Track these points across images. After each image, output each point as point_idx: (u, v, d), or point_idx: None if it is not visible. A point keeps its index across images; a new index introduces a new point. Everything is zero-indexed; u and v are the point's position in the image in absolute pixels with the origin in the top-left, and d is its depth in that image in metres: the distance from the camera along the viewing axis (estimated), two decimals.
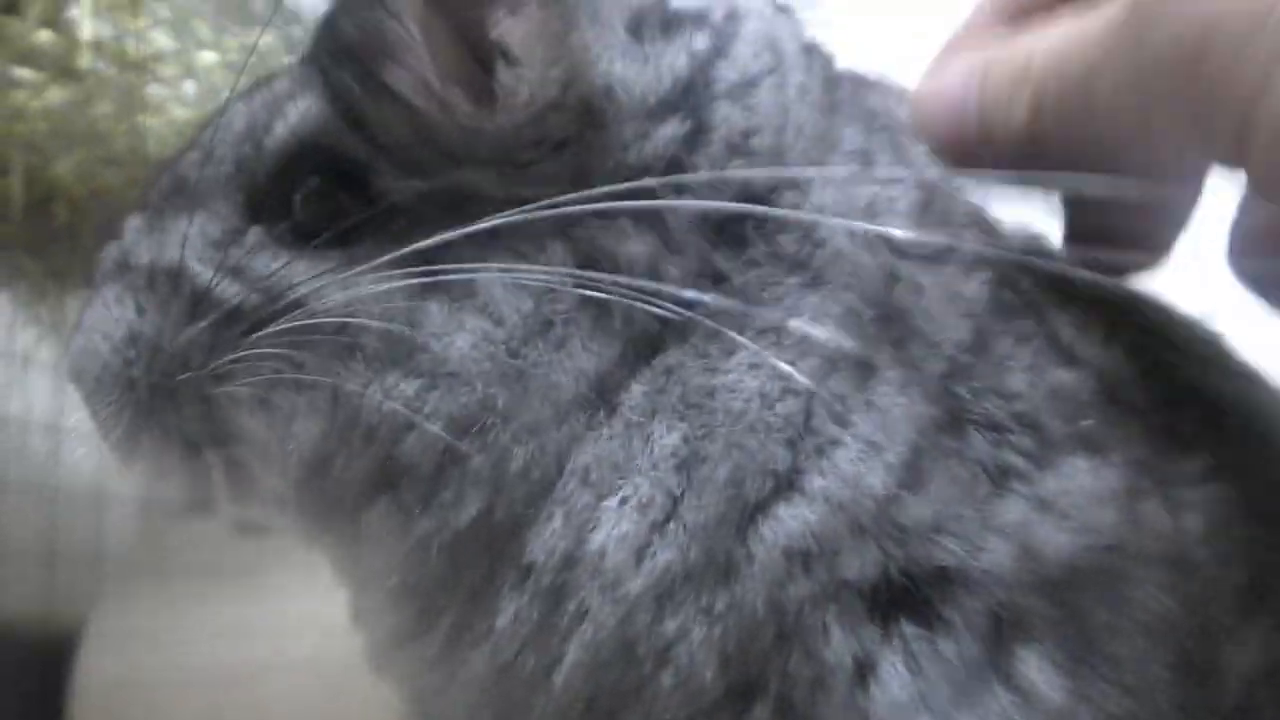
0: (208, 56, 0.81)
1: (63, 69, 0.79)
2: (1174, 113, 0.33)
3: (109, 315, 0.40)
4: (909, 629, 0.31)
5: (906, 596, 0.31)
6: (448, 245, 0.36)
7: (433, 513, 0.37)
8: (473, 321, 0.36)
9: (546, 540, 0.35)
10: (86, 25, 0.75)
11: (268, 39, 0.81)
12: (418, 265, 0.36)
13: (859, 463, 0.32)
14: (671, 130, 0.36)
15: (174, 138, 1.01)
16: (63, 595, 1.39)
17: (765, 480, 0.32)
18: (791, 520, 0.32)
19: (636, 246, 0.35)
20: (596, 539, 0.34)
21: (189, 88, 0.84)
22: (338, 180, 0.38)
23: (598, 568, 0.33)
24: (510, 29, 0.36)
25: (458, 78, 0.36)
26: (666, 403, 0.34)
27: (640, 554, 0.33)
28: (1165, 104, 0.33)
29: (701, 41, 0.38)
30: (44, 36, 0.77)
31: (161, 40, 0.81)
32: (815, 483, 0.32)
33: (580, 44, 0.36)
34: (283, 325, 0.38)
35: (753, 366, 0.33)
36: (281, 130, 0.39)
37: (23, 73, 0.79)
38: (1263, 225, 0.38)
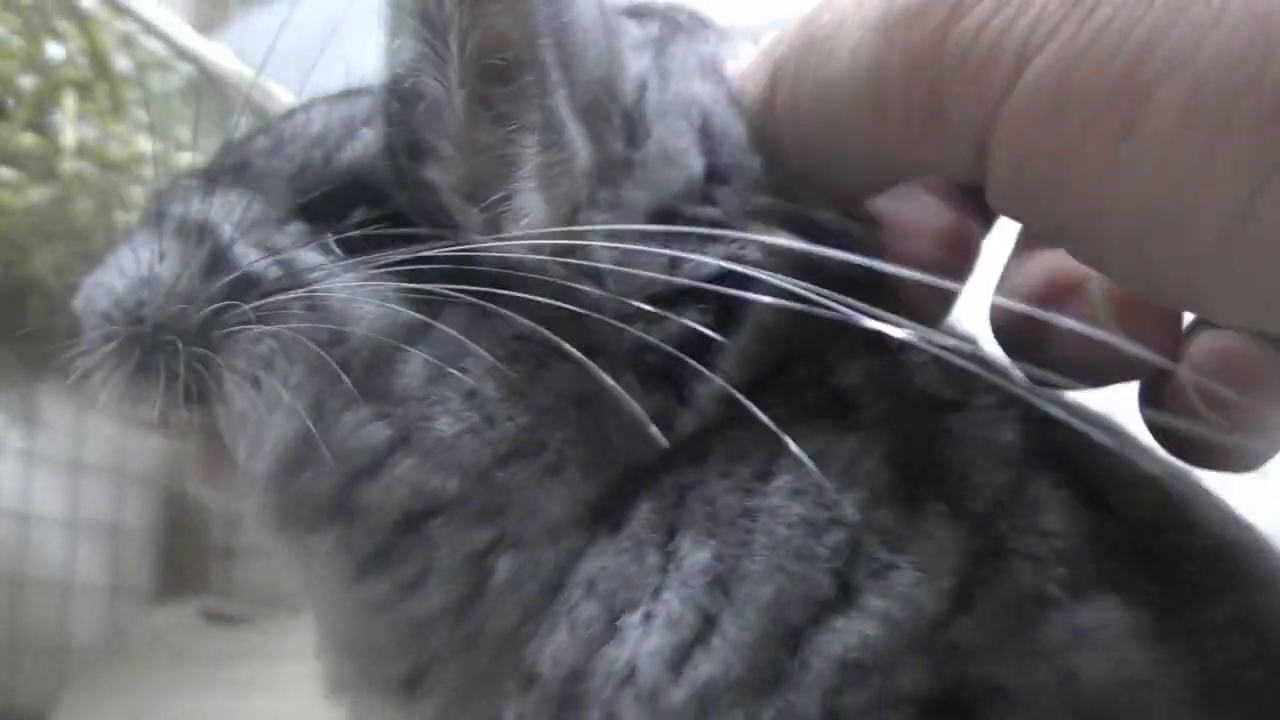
0: (186, 158, 0.84)
1: (45, 169, 0.81)
2: (914, 106, 0.33)
3: (130, 255, 0.41)
4: None
5: (959, 711, 0.32)
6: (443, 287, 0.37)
7: (387, 581, 0.37)
8: (459, 407, 0.36)
9: (552, 652, 0.35)
10: (69, 130, 0.77)
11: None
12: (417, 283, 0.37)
13: (915, 586, 0.33)
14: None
15: None
16: (26, 686, 1.38)
17: (810, 606, 0.33)
18: (849, 634, 0.33)
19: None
20: (618, 654, 0.34)
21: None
22: (385, 217, 0.39)
23: (628, 679, 0.34)
24: (531, 186, 0.37)
25: (477, 197, 0.37)
26: (689, 520, 0.35)
27: (678, 667, 0.33)
28: (904, 98, 0.33)
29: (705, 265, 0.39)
30: (28, 140, 0.79)
31: (142, 143, 0.83)
32: (874, 602, 0.33)
33: (586, 222, 0.37)
34: (289, 297, 0.38)
35: (796, 493, 0.34)
36: (349, 155, 0.40)
37: (5, 172, 0.81)
38: (1024, 284, 0.39)
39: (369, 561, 0.37)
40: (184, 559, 1.74)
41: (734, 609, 0.33)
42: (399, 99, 0.40)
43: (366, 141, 0.41)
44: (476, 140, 0.38)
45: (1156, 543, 0.36)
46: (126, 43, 0.80)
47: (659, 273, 0.37)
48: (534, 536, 0.36)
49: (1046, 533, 0.34)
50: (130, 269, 0.41)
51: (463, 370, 0.36)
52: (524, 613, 0.36)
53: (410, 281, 0.37)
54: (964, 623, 0.32)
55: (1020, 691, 0.32)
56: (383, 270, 0.38)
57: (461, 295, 0.36)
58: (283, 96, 0.77)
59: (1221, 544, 0.37)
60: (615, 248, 0.36)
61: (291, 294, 0.38)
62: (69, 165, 0.77)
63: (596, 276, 0.37)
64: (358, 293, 0.38)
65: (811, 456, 0.33)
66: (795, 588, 0.33)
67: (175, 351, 0.39)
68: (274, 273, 0.39)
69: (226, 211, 0.41)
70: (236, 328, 0.39)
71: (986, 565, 0.33)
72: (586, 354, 0.35)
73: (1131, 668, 0.32)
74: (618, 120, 0.38)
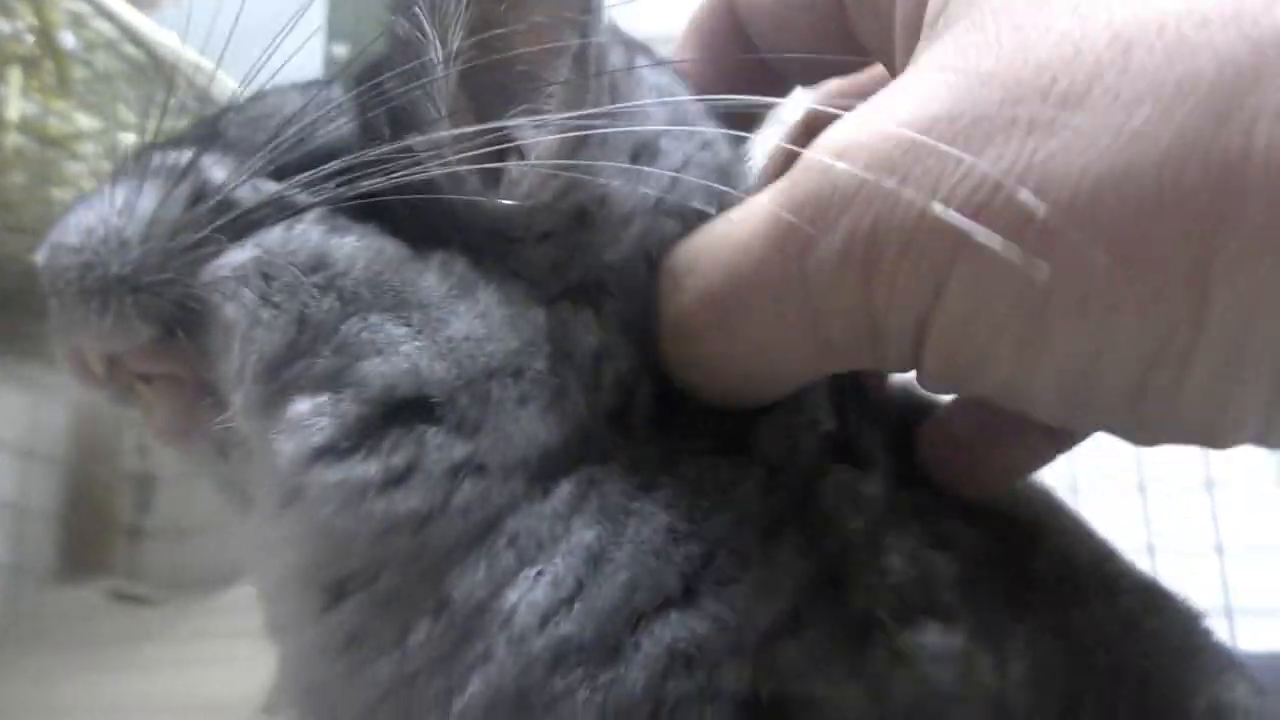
0: (129, 137, 0.84)
1: None
2: (836, 323, 0.36)
3: (106, 196, 0.41)
4: None
5: (774, 714, 0.37)
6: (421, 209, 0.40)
7: (375, 464, 0.38)
8: (468, 318, 0.39)
9: (467, 584, 0.38)
10: (14, 104, 0.77)
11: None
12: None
13: (751, 600, 0.37)
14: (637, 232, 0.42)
15: None
16: None
17: (655, 597, 0.37)
18: (681, 628, 0.37)
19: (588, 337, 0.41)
20: (510, 597, 0.38)
21: (107, 165, 0.87)
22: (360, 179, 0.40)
23: (508, 621, 0.37)
24: (529, 133, 0.40)
25: (472, 159, 0.40)
26: (586, 507, 0.39)
27: (545, 620, 0.37)
28: (828, 315, 0.36)
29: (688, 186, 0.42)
30: None
31: (84, 121, 0.83)
32: (710, 605, 0.37)
33: (587, 159, 0.40)
34: (273, 216, 0.40)
35: (669, 505, 0.39)
36: (321, 138, 0.42)
37: None
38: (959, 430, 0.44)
39: (355, 434, 0.38)
40: (88, 540, 1.71)
41: (597, 582, 0.38)
42: (374, 85, 0.42)
43: (340, 131, 0.43)
44: (470, 95, 0.40)
45: (990, 572, 0.41)
46: (75, 22, 0.80)
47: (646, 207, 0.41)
48: (495, 467, 0.39)
49: (887, 571, 0.39)
50: (107, 206, 0.41)
51: (474, 294, 0.40)
52: (460, 541, 0.39)
53: (396, 228, 0.40)
54: (789, 644, 0.37)
55: (831, 704, 0.37)
56: (362, 205, 0.40)
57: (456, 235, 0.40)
58: (226, 80, 0.78)
59: (1056, 562, 0.43)
60: (609, 182, 0.41)
61: (274, 217, 0.40)
62: (13, 140, 0.78)
63: (590, 221, 0.41)
64: (340, 222, 0.40)
65: (695, 478, 0.39)
66: (647, 579, 0.38)
67: (162, 283, 0.40)
68: (255, 197, 0.40)
69: (208, 160, 0.42)
70: (223, 245, 0.40)
71: (824, 595, 0.38)
72: (574, 307, 0.40)
73: (935, 684, 0.37)
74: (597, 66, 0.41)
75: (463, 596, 0.38)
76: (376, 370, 0.38)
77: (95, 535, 1.69)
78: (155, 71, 0.82)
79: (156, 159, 0.42)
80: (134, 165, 0.43)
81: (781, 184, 0.37)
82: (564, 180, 0.40)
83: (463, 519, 0.39)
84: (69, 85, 0.79)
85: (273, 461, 0.39)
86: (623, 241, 0.41)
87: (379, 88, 0.42)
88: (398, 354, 0.39)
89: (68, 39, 0.81)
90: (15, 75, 0.79)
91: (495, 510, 0.39)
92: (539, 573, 0.38)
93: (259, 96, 0.46)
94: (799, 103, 0.49)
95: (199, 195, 0.41)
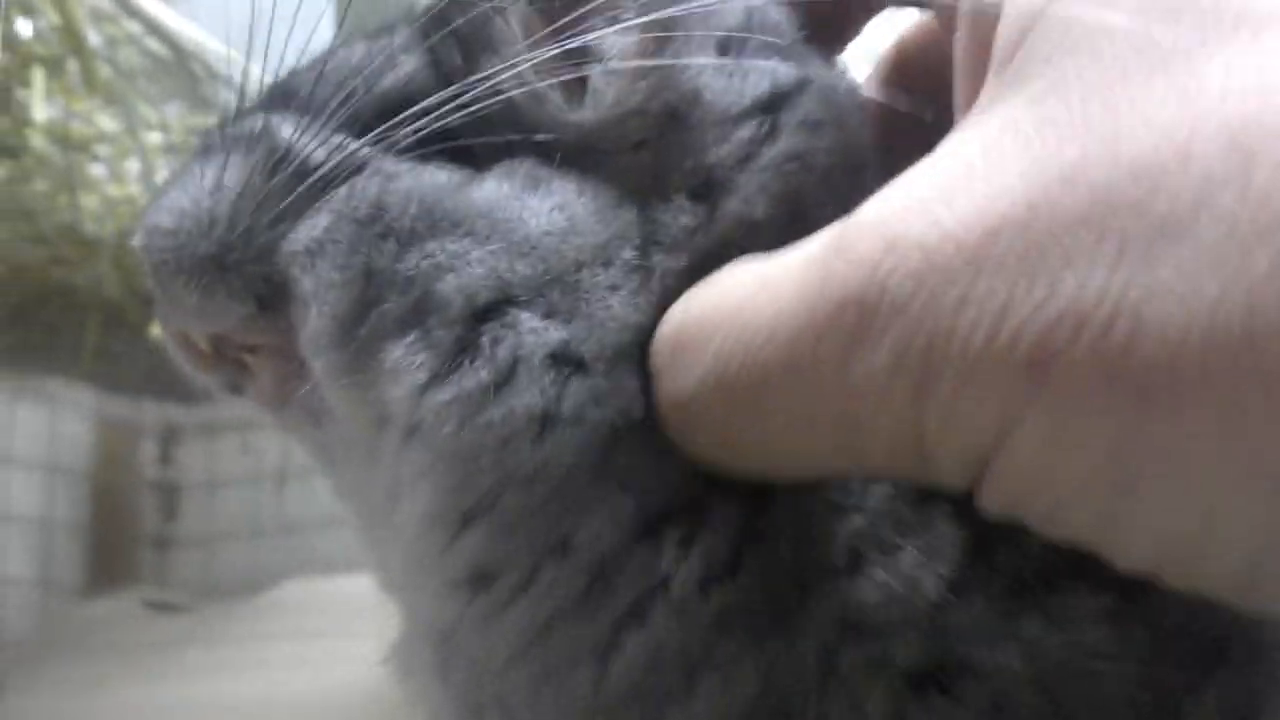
0: (154, 137, 0.84)
1: (5, 147, 0.81)
2: (879, 439, 0.31)
3: (196, 174, 0.41)
4: (938, 700, 0.36)
5: (936, 683, 0.36)
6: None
7: (483, 368, 0.37)
8: (543, 212, 0.38)
9: (591, 528, 0.37)
10: (39, 107, 0.76)
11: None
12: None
13: (917, 567, 0.36)
14: (749, 133, 0.40)
15: (106, 215, 1.02)
16: None
17: (821, 571, 0.36)
18: (850, 596, 0.36)
19: None
20: (660, 567, 0.37)
21: (131, 166, 0.86)
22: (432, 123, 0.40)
23: (663, 587, 0.36)
24: (608, 37, 0.39)
25: (552, 73, 0.39)
26: None
27: (706, 589, 0.36)
28: (870, 430, 0.31)
29: (785, 73, 0.42)
30: None
31: (106, 122, 0.83)
32: (878, 574, 0.37)
33: (673, 55, 0.39)
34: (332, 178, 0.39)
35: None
36: (390, 82, 0.41)
37: None
38: None
39: (455, 353, 0.38)
40: (115, 550, 1.71)
41: (757, 555, 0.37)
42: (441, 17, 0.41)
43: (408, 68, 0.42)
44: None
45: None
46: (97, 18, 0.79)
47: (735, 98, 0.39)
48: (592, 359, 0.37)
49: (1031, 534, 0.39)
50: (194, 185, 0.41)
51: (546, 188, 0.39)
52: (580, 462, 0.37)
53: (456, 158, 0.39)
54: (957, 612, 0.37)
55: (990, 668, 0.36)
56: (424, 148, 0.39)
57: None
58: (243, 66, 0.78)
59: None
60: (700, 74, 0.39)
61: (340, 180, 0.39)
62: (39, 143, 0.77)
63: (685, 121, 0.39)
64: (396, 168, 0.39)
65: None
66: (810, 553, 0.37)
67: (245, 255, 0.40)
68: (331, 157, 0.40)
69: (281, 124, 0.41)
70: (296, 221, 0.39)
71: (982, 560, 0.38)
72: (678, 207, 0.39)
73: (1089, 645, 0.37)
74: None
75: (587, 542, 0.38)
76: (452, 287, 0.38)
77: (122, 546, 1.69)
78: (182, 65, 0.81)
79: (239, 129, 0.42)
80: (218, 138, 0.43)
81: (817, 263, 0.31)
82: (652, 80, 0.39)
83: (577, 429, 0.37)
84: (96, 83, 0.78)
85: (384, 410, 0.39)
86: (730, 140, 0.40)
87: (444, 18, 0.41)
88: (469, 264, 0.38)
89: (92, 36, 0.80)
90: (39, 77, 0.78)
91: (609, 428, 0.37)
92: (685, 539, 0.37)
93: (330, 52, 0.46)
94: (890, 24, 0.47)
95: (277, 162, 0.41)
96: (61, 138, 0.82)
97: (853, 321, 0.30)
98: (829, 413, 0.32)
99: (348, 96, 0.42)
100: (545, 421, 0.38)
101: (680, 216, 0.39)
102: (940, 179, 0.30)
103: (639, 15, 0.39)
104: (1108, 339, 0.26)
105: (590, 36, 0.39)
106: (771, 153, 0.40)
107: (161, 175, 0.89)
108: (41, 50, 0.77)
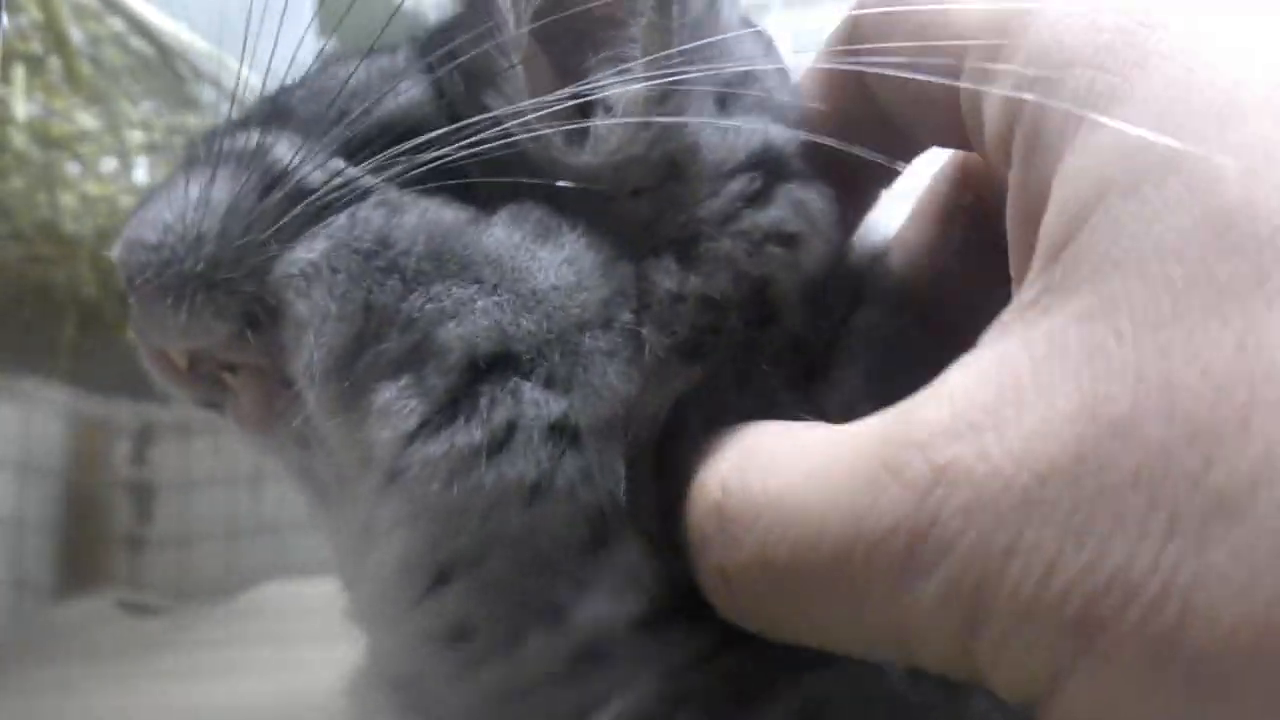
0: (135, 136, 0.83)
1: None
2: (928, 653, 0.30)
3: (180, 188, 0.40)
4: None
5: None
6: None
7: (476, 428, 0.37)
8: (552, 265, 0.38)
9: (590, 606, 0.37)
10: (20, 104, 0.76)
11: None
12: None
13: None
14: (740, 187, 0.40)
15: (85, 213, 1.01)
16: None
17: None
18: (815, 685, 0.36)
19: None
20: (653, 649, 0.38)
21: (108, 164, 0.85)
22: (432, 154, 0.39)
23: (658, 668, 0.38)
24: (612, 85, 0.38)
25: (554, 117, 0.38)
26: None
27: (694, 667, 0.37)
28: (920, 645, 0.30)
29: (779, 132, 0.42)
30: None
31: (87, 120, 0.82)
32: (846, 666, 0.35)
33: (674, 109, 0.39)
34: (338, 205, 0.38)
35: None
36: (390, 106, 0.41)
37: None
38: None
39: (448, 405, 0.37)
40: (89, 551, 1.69)
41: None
42: (446, 45, 0.40)
43: (410, 94, 0.41)
44: (545, 46, 0.39)
45: None
46: (80, 15, 0.78)
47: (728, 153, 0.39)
48: (587, 432, 0.37)
49: None
50: (179, 199, 0.40)
51: (557, 239, 0.38)
52: (571, 531, 0.37)
53: (458, 194, 0.39)
54: None
55: None
56: (426, 182, 0.39)
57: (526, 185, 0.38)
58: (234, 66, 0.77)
59: None
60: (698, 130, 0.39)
61: (344, 200, 0.39)
62: (21, 142, 0.76)
63: (682, 172, 0.39)
64: (401, 200, 0.39)
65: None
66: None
67: (234, 275, 0.39)
68: (328, 181, 0.39)
69: (276, 143, 0.40)
70: (291, 243, 0.39)
71: None
72: (663, 261, 0.38)
73: None
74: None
75: (586, 619, 0.37)
76: (453, 335, 0.37)
77: (96, 546, 1.67)
78: (166, 64, 0.80)
79: (227, 143, 0.41)
80: (206, 151, 0.42)
81: (866, 476, 0.30)
82: (655, 129, 0.38)
83: (570, 502, 0.37)
84: (79, 81, 0.77)
85: (368, 451, 0.38)
86: (720, 195, 0.40)
87: (449, 46, 0.41)
88: (473, 313, 0.37)
89: (74, 34, 0.79)
90: (20, 74, 0.77)
91: (598, 510, 0.37)
92: (683, 630, 0.36)
93: (324, 67, 0.45)
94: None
95: (271, 182, 0.40)
96: (42, 135, 0.81)
97: (903, 548, 0.29)
98: (878, 621, 0.31)
99: (346, 119, 0.41)
100: (535, 491, 0.37)
101: (665, 279, 0.39)
102: (989, 398, 0.29)
103: (645, 64, 0.39)
104: (1157, 618, 0.25)
105: (598, 83, 0.38)
106: (755, 218, 0.40)
107: (140, 173, 0.88)
108: (23, 47, 0.76)
